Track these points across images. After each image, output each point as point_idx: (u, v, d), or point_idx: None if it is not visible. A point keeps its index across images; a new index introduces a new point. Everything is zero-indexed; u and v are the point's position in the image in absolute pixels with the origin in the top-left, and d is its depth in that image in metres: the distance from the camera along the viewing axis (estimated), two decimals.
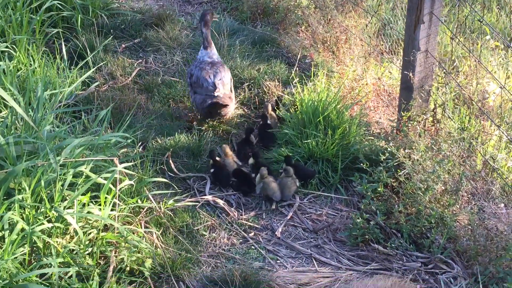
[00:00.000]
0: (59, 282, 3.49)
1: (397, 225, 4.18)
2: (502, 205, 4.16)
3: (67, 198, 3.75)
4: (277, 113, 5.13)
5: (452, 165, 4.24)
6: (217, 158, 4.66)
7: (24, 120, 4.06)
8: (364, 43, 5.76)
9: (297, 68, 5.77)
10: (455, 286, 3.89)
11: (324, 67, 5.61)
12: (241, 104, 5.43)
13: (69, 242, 3.66)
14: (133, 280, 3.72)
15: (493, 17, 6.62)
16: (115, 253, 3.73)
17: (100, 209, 3.75)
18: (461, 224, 4.11)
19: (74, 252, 3.64)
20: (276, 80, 5.57)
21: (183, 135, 4.99)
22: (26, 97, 4.42)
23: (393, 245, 4.09)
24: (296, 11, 6.48)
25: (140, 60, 5.96)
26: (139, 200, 4.09)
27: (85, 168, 3.82)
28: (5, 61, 5.00)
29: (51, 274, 3.49)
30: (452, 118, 4.65)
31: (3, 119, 4.24)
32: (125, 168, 3.92)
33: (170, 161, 4.70)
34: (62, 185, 3.69)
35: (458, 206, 4.13)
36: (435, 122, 4.52)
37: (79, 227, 3.63)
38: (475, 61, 4.60)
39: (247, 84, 5.57)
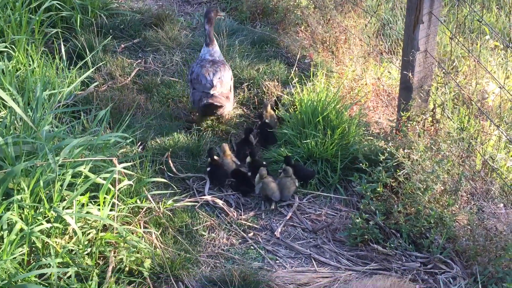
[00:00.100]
0: (58, 282, 3.48)
1: (397, 225, 4.18)
2: (502, 205, 4.16)
3: (66, 198, 3.74)
4: (276, 113, 5.13)
5: (452, 165, 4.24)
6: (215, 157, 4.66)
7: (23, 120, 4.06)
8: (363, 43, 5.76)
9: (296, 68, 5.77)
10: (454, 286, 3.88)
11: (323, 67, 5.61)
12: (240, 104, 5.43)
13: (68, 242, 3.66)
14: (132, 280, 3.71)
15: (492, 17, 6.62)
16: (114, 253, 3.73)
17: (99, 209, 3.75)
18: (461, 224, 4.11)
19: (73, 252, 3.64)
20: (275, 80, 5.57)
21: (182, 135, 4.99)
22: (25, 97, 4.42)
23: (392, 245, 4.09)
24: (295, 11, 6.47)
25: (139, 60, 5.96)
26: (138, 200, 4.09)
27: (84, 168, 3.81)
28: (4, 61, 5.00)
29: (50, 274, 3.49)
30: (451, 118, 4.65)
31: (2, 119, 4.23)
32: (124, 168, 3.92)
33: (170, 161, 4.70)
34: (61, 185, 3.69)
35: (457, 206, 4.13)
36: (435, 122, 4.52)
37: (78, 227, 3.62)
38: (475, 61, 4.60)
39: (247, 84, 5.56)
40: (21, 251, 3.48)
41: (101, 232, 3.76)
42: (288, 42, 6.22)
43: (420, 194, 4.11)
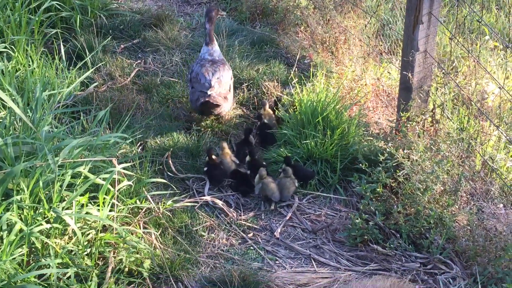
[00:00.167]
0: (58, 283, 3.48)
1: (396, 226, 4.18)
2: (501, 205, 4.16)
3: (66, 198, 3.74)
4: (276, 113, 5.13)
5: (451, 166, 4.24)
6: (214, 157, 4.66)
7: (22, 121, 4.06)
8: (363, 44, 5.76)
9: (296, 69, 5.77)
10: (454, 286, 3.88)
11: (323, 68, 5.61)
12: (240, 105, 5.43)
13: (68, 243, 3.66)
14: (131, 281, 3.71)
15: (492, 18, 6.62)
16: (113, 253, 3.73)
17: (99, 209, 3.74)
18: (460, 225, 4.11)
19: (73, 252, 3.64)
20: (275, 81, 5.57)
21: (182, 135, 4.99)
22: (24, 97, 4.42)
23: (392, 245, 4.09)
24: (295, 12, 6.47)
25: (139, 61, 5.96)
26: (137, 201, 4.09)
27: (84, 169, 3.81)
28: (3, 62, 5.00)
29: (50, 275, 3.49)
30: (451, 118, 4.65)
31: (1, 120, 4.23)
32: (123, 168, 3.92)
33: (170, 161, 4.70)
34: (61, 186, 3.68)
35: (457, 207, 4.13)
36: (434, 122, 4.52)
37: (78, 227, 3.62)
38: (474, 61, 4.60)
39: (246, 84, 5.56)
40: (20, 251, 3.48)
41: (100, 232, 3.76)
42: (288, 43, 6.22)
43: (420, 194, 4.11)
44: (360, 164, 4.31)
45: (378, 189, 4.23)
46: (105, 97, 5.25)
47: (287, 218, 4.40)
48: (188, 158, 4.82)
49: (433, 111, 4.54)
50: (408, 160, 4.21)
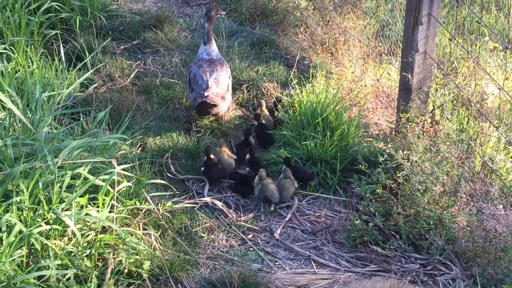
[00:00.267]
0: (57, 284, 3.48)
1: (396, 227, 4.18)
2: (501, 206, 4.15)
3: (65, 200, 3.74)
4: (276, 114, 5.13)
5: (451, 167, 4.23)
6: (212, 156, 4.66)
7: (22, 122, 4.06)
8: (362, 45, 5.76)
9: (295, 70, 5.77)
10: (453, 287, 3.88)
11: (322, 69, 5.61)
12: (239, 106, 5.43)
13: (67, 244, 3.66)
14: (131, 282, 3.71)
15: (491, 19, 6.62)
16: (113, 255, 3.73)
17: (98, 211, 3.74)
18: (460, 226, 4.11)
19: (72, 254, 3.64)
20: (274, 82, 5.57)
21: (181, 136, 4.99)
22: (24, 98, 4.42)
23: (391, 246, 4.09)
24: (294, 13, 6.48)
25: (138, 62, 5.96)
26: (137, 202, 4.09)
27: (83, 170, 3.81)
28: (3, 63, 5.00)
29: (49, 276, 3.48)
30: (450, 119, 4.65)
31: (1, 121, 4.23)
32: (123, 169, 3.92)
33: (169, 162, 4.70)
34: (60, 187, 3.68)
35: (456, 208, 4.13)
36: (434, 123, 4.52)
37: (77, 229, 3.62)
38: (474, 62, 4.60)
39: (246, 85, 5.57)
40: (20, 253, 3.48)
41: (100, 233, 3.75)
42: (288, 44, 6.22)
43: (420, 195, 4.11)
44: (360, 165, 4.31)
45: (377, 190, 4.23)
46: (104, 98, 5.25)
47: (287, 219, 4.40)
48: (188, 159, 4.82)
49: (433, 112, 4.54)
50: (407, 161, 4.21)
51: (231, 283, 3.74)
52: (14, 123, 4.22)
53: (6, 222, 3.48)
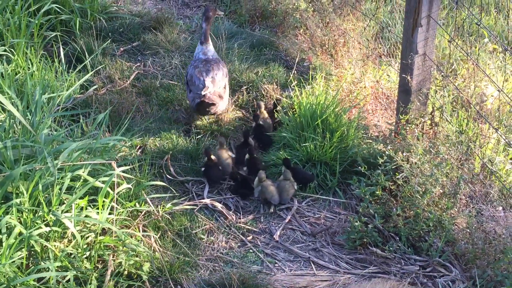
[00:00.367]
0: (57, 286, 3.48)
1: (395, 229, 4.18)
2: (500, 208, 4.15)
3: (65, 201, 3.74)
4: (276, 115, 5.13)
5: (450, 168, 4.24)
6: (212, 157, 4.66)
7: (22, 124, 4.06)
8: (362, 46, 5.76)
9: (295, 71, 5.77)
10: None
11: (322, 70, 5.62)
12: (239, 107, 5.43)
13: (67, 246, 3.66)
14: (131, 284, 3.71)
15: (491, 20, 6.63)
16: (113, 257, 3.73)
17: (98, 212, 3.74)
18: (459, 227, 4.11)
19: (72, 256, 3.64)
20: (274, 83, 5.57)
21: (181, 138, 4.99)
22: (24, 100, 4.42)
23: (391, 248, 4.09)
24: (294, 14, 6.48)
25: (138, 64, 5.96)
26: (137, 204, 4.09)
27: (83, 172, 3.81)
28: (3, 65, 5.00)
29: (49, 278, 3.49)
30: (450, 121, 4.65)
31: (1, 123, 4.23)
32: (123, 171, 3.92)
33: (169, 164, 4.70)
34: (60, 189, 3.68)
35: (456, 209, 4.13)
36: (433, 125, 4.52)
37: (77, 231, 3.62)
38: (473, 64, 4.61)
39: (245, 87, 5.57)
40: (19, 254, 3.48)
41: (100, 235, 3.76)
42: (287, 45, 6.22)
43: (419, 197, 4.11)
44: (359, 167, 4.32)
45: (377, 192, 4.23)
46: (104, 100, 5.25)
47: (286, 221, 4.40)
48: (188, 161, 4.82)
49: (432, 113, 4.55)
50: (407, 163, 4.21)
51: (230, 285, 3.74)
52: (14, 125, 4.23)
53: (6, 224, 3.48)
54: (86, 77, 5.12)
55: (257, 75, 5.71)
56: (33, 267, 3.48)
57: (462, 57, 5.64)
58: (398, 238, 4.16)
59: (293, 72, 5.74)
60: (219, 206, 4.41)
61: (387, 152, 4.25)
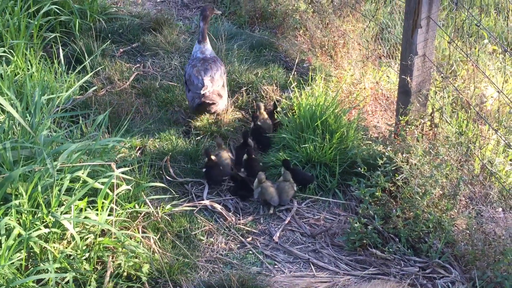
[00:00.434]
0: (56, 287, 3.47)
1: (395, 230, 4.18)
2: (500, 209, 4.15)
3: (64, 203, 3.74)
4: (276, 116, 5.13)
5: (450, 170, 4.23)
6: (212, 157, 4.66)
7: (21, 125, 4.06)
8: (362, 47, 5.76)
9: (295, 72, 5.77)
10: None
11: (322, 71, 5.61)
12: (239, 109, 5.43)
13: (66, 247, 3.66)
14: (130, 286, 3.71)
15: (490, 21, 6.63)
16: (112, 258, 3.72)
17: (97, 214, 3.74)
18: (459, 229, 4.11)
19: (71, 257, 3.63)
20: (274, 85, 5.57)
21: (180, 139, 4.99)
22: (23, 102, 4.42)
23: (391, 249, 4.09)
24: (294, 16, 6.48)
25: (138, 65, 5.96)
26: (136, 205, 4.09)
27: (82, 173, 3.81)
28: (2, 66, 5.00)
29: (48, 280, 3.48)
30: (450, 122, 4.65)
31: (0, 124, 4.23)
32: (122, 173, 3.92)
33: (169, 165, 4.70)
34: (59, 190, 3.68)
35: (456, 211, 4.13)
36: (433, 126, 4.52)
37: (76, 232, 3.62)
38: (473, 65, 4.60)
39: (245, 88, 5.57)
40: (19, 256, 3.48)
41: (99, 237, 3.75)
42: (287, 46, 6.22)
43: (419, 198, 4.10)
44: (359, 168, 4.31)
45: (377, 193, 4.23)
46: (104, 101, 5.25)
47: (286, 222, 4.40)
48: (187, 162, 4.82)
49: (432, 115, 4.55)
50: (407, 164, 4.21)
51: (230, 286, 3.74)
52: (13, 126, 4.22)
53: (5, 225, 3.48)
54: (85, 78, 5.12)
55: (257, 76, 5.71)
56: (32, 268, 3.48)
57: (462, 58, 5.64)
58: (397, 240, 4.16)
59: (292, 73, 5.74)
60: (218, 207, 4.41)
61: (386, 153, 4.25)
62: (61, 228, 3.65)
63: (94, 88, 5.36)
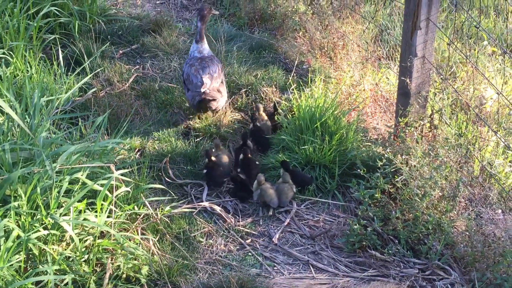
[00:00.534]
0: None
1: (395, 231, 4.18)
2: (500, 211, 4.15)
3: (63, 205, 3.74)
4: (276, 118, 5.12)
5: (450, 171, 4.23)
6: (213, 158, 4.66)
7: (20, 127, 4.06)
8: (361, 49, 5.76)
9: (294, 74, 5.77)
10: None
11: (321, 73, 5.62)
12: (238, 110, 5.43)
13: (65, 249, 3.65)
14: (129, 287, 3.70)
15: (490, 23, 6.63)
16: (111, 260, 3.72)
17: (97, 216, 3.74)
18: (459, 230, 4.11)
19: (70, 259, 3.63)
20: (273, 86, 5.57)
21: (180, 141, 4.99)
22: (22, 103, 4.42)
23: (390, 251, 4.08)
24: (293, 17, 6.48)
25: (137, 66, 5.96)
26: (135, 207, 4.08)
27: (82, 175, 3.81)
28: (1, 67, 5.00)
29: (47, 282, 3.48)
30: (449, 124, 4.65)
31: None
32: (121, 174, 3.91)
33: (168, 167, 4.69)
34: (58, 192, 3.68)
35: (455, 212, 4.12)
36: (432, 128, 4.52)
37: (75, 234, 3.61)
38: (472, 67, 4.60)
39: (245, 90, 5.56)
40: (18, 258, 3.48)
41: (98, 238, 3.75)
42: (286, 48, 6.22)
43: (418, 200, 4.10)
44: (359, 170, 4.31)
45: (376, 195, 4.23)
46: (103, 102, 5.25)
47: (285, 224, 4.39)
48: (186, 164, 4.82)
49: (431, 116, 4.54)
50: (406, 166, 4.21)
51: None
52: (13, 128, 4.22)
53: (4, 227, 3.47)
54: (85, 80, 5.12)
55: (256, 78, 5.71)
56: (31, 270, 3.47)
57: (461, 59, 5.64)
58: (397, 241, 4.16)
59: (292, 74, 5.74)
60: (218, 209, 4.40)
61: (386, 155, 4.25)
62: (60, 230, 3.65)
63: (94, 89, 5.36)
